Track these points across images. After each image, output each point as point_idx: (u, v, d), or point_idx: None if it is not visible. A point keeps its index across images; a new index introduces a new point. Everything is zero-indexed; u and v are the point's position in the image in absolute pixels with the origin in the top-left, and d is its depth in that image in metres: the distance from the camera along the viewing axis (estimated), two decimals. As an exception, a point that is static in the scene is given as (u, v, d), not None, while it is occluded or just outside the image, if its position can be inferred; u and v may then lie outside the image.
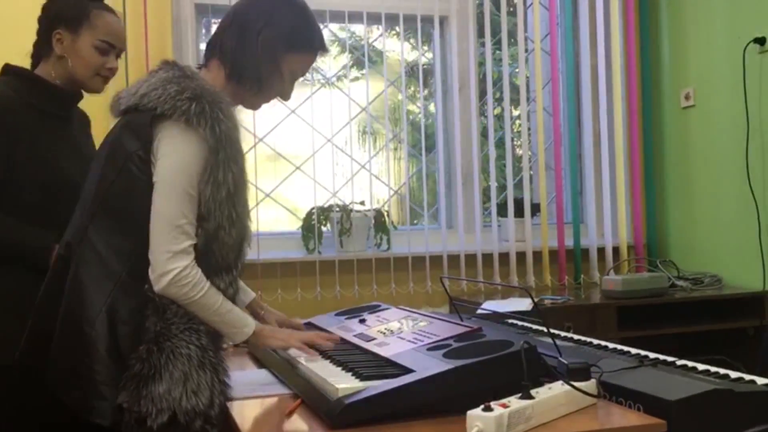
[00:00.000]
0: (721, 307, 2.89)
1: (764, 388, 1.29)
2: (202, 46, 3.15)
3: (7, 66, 1.85)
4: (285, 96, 1.64)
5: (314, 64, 1.71)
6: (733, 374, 1.40)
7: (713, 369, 1.45)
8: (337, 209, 3.11)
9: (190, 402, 1.33)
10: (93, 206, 1.46)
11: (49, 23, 1.84)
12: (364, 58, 3.23)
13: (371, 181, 3.21)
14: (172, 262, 1.37)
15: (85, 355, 1.36)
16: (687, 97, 3.30)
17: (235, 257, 1.47)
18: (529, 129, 3.50)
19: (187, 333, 1.39)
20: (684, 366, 1.48)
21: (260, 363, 1.76)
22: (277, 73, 1.57)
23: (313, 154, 3.15)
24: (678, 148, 3.39)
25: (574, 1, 3.49)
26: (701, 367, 1.47)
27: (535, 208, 3.38)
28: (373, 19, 3.26)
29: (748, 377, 1.37)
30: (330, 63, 3.31)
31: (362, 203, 3.17)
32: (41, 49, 1.87)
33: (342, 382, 1.26)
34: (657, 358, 1.56)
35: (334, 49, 3.40)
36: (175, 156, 1.40)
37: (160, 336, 1.37)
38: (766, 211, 2.89)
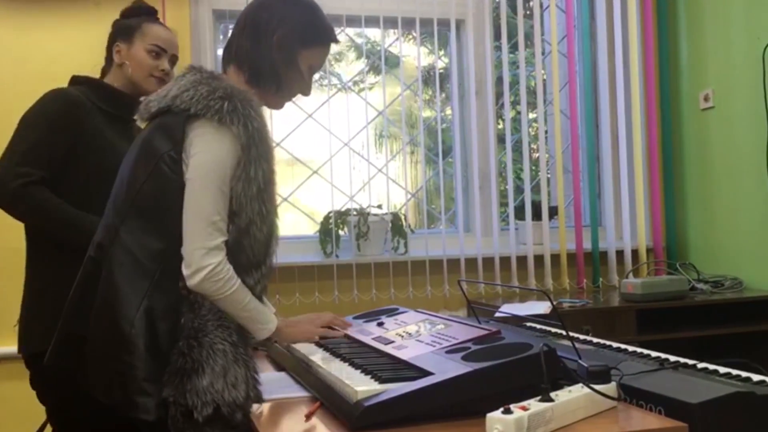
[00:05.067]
0: (742, 309, 2.86)
1: (787, 391, 1.27)
2: (220, 51, 3.19)
3: (75, 77, 2.09)
4: (305, 91, 1.68)
5: (331, 69, 1.74)
6: (755, 377, 1.38)
7: (734, 372, 1.43)
8: (355, 213, 3.11)
9: (231, 394, 1.36)
10: (124, 207, 1.48)
11: (110, 40, 2.12)
12: (381, 62, 3.24)
13: (388, 185, 3.21)
14: (207, 258, 1.40)
15: (126, 353, 1.38)
16: (706, 99, 3.28)
17: (264, 254, 1.50)
18: (546, 132, 3.49)
19: (221, 329, 1.42)
20: (705, 369, 1.47)
21: (279, 365, 1.77)
22: (295, 70, 1.61)
23: (330, 158, 3.16)
24: (697, 150, 3.36)
25: (591, 3, 3.48)
26: (722, 370, 1.45)
27: (553, 211, 3.37)
28: (390, 23, 3.27)
29: (770, 380, 1.36)
30: (346, 67, 3.32)
31: (379, 207, 3.18)
32: (106, 63, 2.14)
33: (361, 385, 1.26)
34: (677, 361, 1.54)
35: (350, 54, 3.41)
36: (208, 154, 1.43)
37: (198, 332, 1.40)
38: (787, 213, 2.86)
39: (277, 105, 1.67)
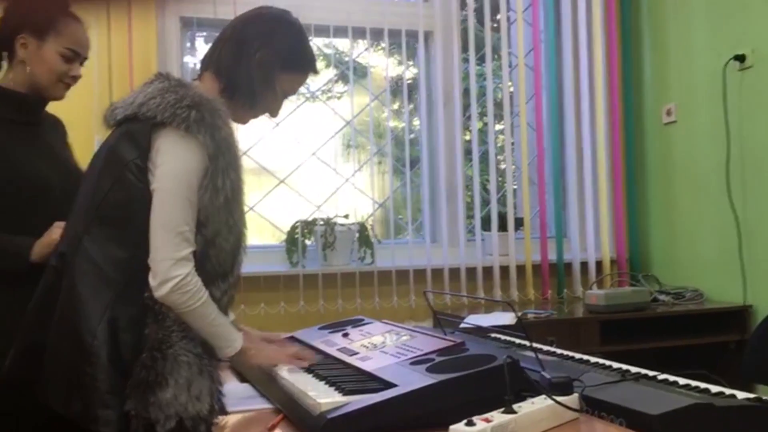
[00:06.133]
0: (702, 321, 2.91)
1: (744, 402, 1.29)
2: (187, 59, 3.17)
3: None
4: (274, 113, 1.67)
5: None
6: (714, 388, 1.40)
7: (694, 383, 1.45)
8: (321, 223, 3.10)
9: (195, 407, 1.34)
10: (88, 216, 1.46)
11: (12, 27, 1.81)
12: (349, 72, 3.24)
13: (355, 195, 3.21)
14: (175, 269, 1.38)
15: (87, 365, 1.36)
16: (669, 113, 3.34)
17: (231, 264, 1.48)
18: (512, 143, 3.52)
19: (186, 341, 1.40)
20: (666, 380, 1.49)
21: (242, 377, 1.75)
22: (271, 91, 1.61)
23: (297, 167, 3.15)
24: (660, 164, 3.42)
25: (557, 18, 3.52)
26: (683, 381, 1.47)
27: (519, 222, 3.39)
28: (358, 33, 3.28)
29: (728, 391, 1.38)
30: (315, 77, 3.31)
31: (346, 217, 3.17)
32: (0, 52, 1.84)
33: (324, 397, 1.25)
34: (639, 373, 1.56)
35: (319, 64, 3.41)
36: (175, 163, 1.41)
37: (162, 343, 1.38)
38: (746, 226, 2.92)
39: (244, 120, 1.66)
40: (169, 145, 1.42)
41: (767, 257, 2.84)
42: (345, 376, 1.40)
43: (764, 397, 1.31)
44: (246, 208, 3.05)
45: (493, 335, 2.11)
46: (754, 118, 2.89)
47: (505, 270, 3.31)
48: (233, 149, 1.48)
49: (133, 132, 1.46)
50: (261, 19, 1.62)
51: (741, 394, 1.35)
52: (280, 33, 1.60)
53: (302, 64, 1.64)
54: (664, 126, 3.37)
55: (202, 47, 3.19)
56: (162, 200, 1.41)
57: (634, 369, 1.61)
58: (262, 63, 1.57)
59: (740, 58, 2.92)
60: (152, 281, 1.39)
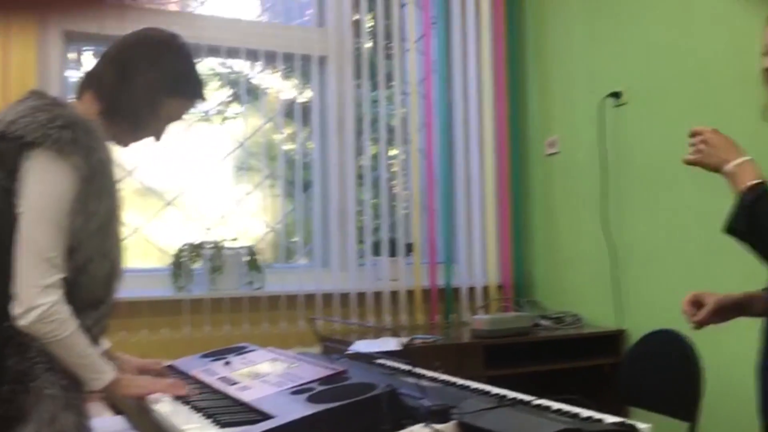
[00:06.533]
0: (580, 345, 3.03)
1: (611, 427, 1.35)
2: (72, 73, 3.04)
3: None
4: (158, 137, 1.63)
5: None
6: (585, 413, 1.46)
7: (566, 408, 1.50)
8: (210, 246, 3.04)
9: None
10: None
11: None
12: (242, 94, 3.21)
13: (246, 218, 3.16)
14: (40, 297, 1.30)
15: None
16: (551, 145, 3.49)
17: (105, 292, 1.42)
18: (404, 170, 3.57)
19: (51, 373, 1.33)
20: (539, 405, 1.53)
21: (116, 409, 1.68)
22: (155, 116, 1.57)
23: (185, 189, 3.07)
24: (543, 193, 3.57)
25: (448, 49, 3.62)
26: (555, 406, 1.52)
27: (409, 248, 3.44)
28: (252, 56, 3.25)
29: (597, 416, 1.44)
30: (207, 97, 3.26)
31: (235, 240, 3.12)
32: None
33: (198, 430, 1.21)
34: (515, 398, 1.60)
35: (213, 84, 3.36)
36: (45, 185, 1.35)
37: (24, 376, 1.30)
38: (620, 254, 3.08)
39: (125, 143, 1.61)
40: (39, 166, 1.35)
41: (638, 284, 3.01)
42: (222, 408, 1.37)
43: (628, 421, 1.37)
44: (130, 230, 2.95)
45: (379, 361, 2.12)
46: (628, 152, 3.07)
47: (394, 295, 3.34)
48: (109, 172, 1.42)
49: (0, 152, 1.38)
50: (148, 41, 1.57)
51: (609, 418, 1.41)
52: (168, 57, 1.56)
53: (189, 89, 1.60)
54: (547, 157, 3.52)
55: (90, 62, 3.07)
56: (29, 224, 1.34)
57: (512, 394, 1.65)
58: (147, 86, 1.52)
59: (616, 95, 3.10)
60: (16, 309, 1.31)
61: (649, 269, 2.96)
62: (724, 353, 2.36)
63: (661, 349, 2.57)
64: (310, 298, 3.17)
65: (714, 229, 2.66)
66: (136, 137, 1.60)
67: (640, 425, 1.36)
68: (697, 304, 1.68)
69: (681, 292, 2.80)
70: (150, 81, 1.53)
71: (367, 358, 2.18)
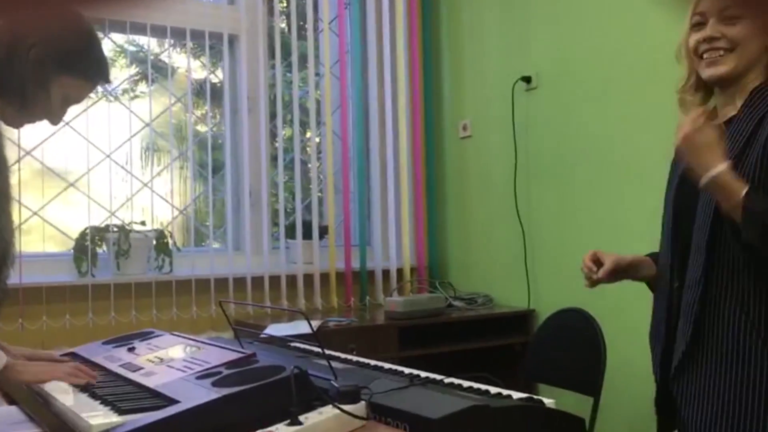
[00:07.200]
0: (491, 325, 3.09)
1: (518, 403, 1.38)
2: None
3: None
4: (53, 120, 1.51)
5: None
6: (494, 390, 1.48)
7: (476, 386, 1.52)
8: (115, 229, 2.92)
9: None
10: None
11: None
12: (149, 71, 3.09)
13: (153, 201, 3.05)
14: None
15: None
16: (464, 128, 3.53)
17: None
18: (319, 152, 3.53)
19: None
20: (451, 384, 1.55)
21: (10, 398, 1.59)
22: (45, 94, 1.45)
23: (88, 171, 2.94)
24: (457, 176, 3.60)
25: (362, 31, 3.60)
26: (466, 384, 1.54)
27: (324, 231, 3.41)
28: (158, 32, 3.13)
29: (505, 392, 1.46)
30: (112, 74, 3.12)
31: (143, 223, 3.01)
32: None
33: (97, 418, 1.16)
34: (427, 377, 1.61)
35: (120, 62, 3.22)
36: None
37: None
38: (530, 235, 3.15)
39: (15, 124, 1.50)
40: None
41: (547, 264, 3.08)
42: (123, 394, 1.31)
43: (535, 397, 1.40)
44: (27, 213, 2.80)
45: (292, 345, 2.09)
46: (538, 135, 3.13)
47: (309, 278, 3.31)
48: None
49: None
50: (43, 16, 1.48)
51: (516, 395, 1.44)
52: (62, 31, 1.45)
53: (85, 67, 1.49)
54: (461, 140, 3.56)
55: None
56: None
57: (423, 374, 1.66)
58: (37, 60, 1.42)
59: (527, 80, 3.16)
60: None
61: (558, 250, 3.03)
62: (626, 330, 2.45)
63: (567, 327, 2.65)
64: (222, 282, 3.10)
65: (620, 210, 2.77)
66: (27, 118, 1.50)
67: (546, 400, 1.39)
68: (596, 262, 1.72)
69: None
70: (40, 54, 1.42)
71: (281, 342, 2.15)
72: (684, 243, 1.57)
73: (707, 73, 1.53)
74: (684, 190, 1.58)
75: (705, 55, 1.53)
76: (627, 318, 2.57)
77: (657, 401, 1.66)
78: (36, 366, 1.46)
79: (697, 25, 1.54)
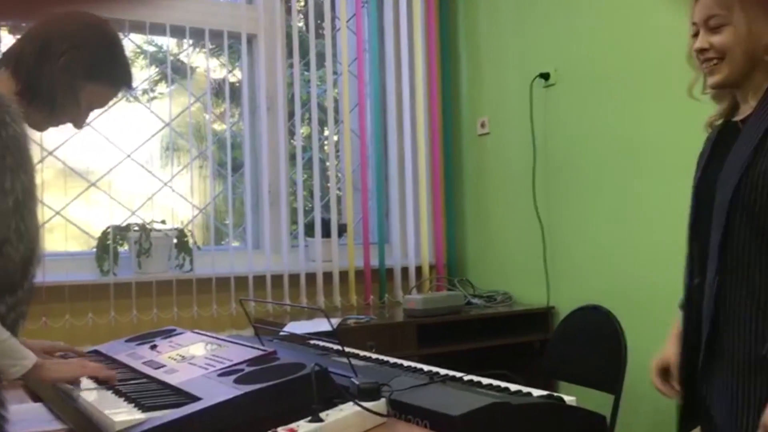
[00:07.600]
0: (511, 322, 3.08)
1: (538, 400, 1.37)
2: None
3: None
4: (77, 124, 1.54)
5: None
6: (514, 387, 1.48)
7: (496, 383, 1.52)
8: (136, 228, 2.95)
9: None
10: None
11: None
12: (168, 71, 3.11)
13: (174, 200, 3.08)
14: None
15: None
16: (483, 125, 3.52)
17: (21, 277, 1.34)
18: (337, 150, 3.54)
19: None
20: (470, 381, 1.55)
21: (36, 396, 1.61)
22: (73, 101, 1.48)
23: (109, 170, 2.97)
24: (475, 173, 3.60)
25: (380, 29, 3.60)
26: (485, 381, 1.54)
27: (342, 229, 3.42)
28: (177, 32, 3.15)
29: (525, 390, 1.46)
30: (134, 85, 3.15)
31: (163, 222, 3.03)
32: None
33: (120, 415, 1.17)
34: (447, 375, 1.61)
35: (139, 62, 3.24)
36: None
37: None
38: (549, 233, 3.13)
39: (41, 127, 1.52)
40: None
41: (566, 261, 3.07)
42: (147, 392, 1.33)
43: (555, 394, 1.40)
44: (50, 213, 2.84)
45: (312, 342, 2.11)
46: (556, 132, 3.12)
47: (328, 276, 3.32)
48: (24, 149, 1.35)
49: None
50: (73, 22, 1.50)
51: (536, 392, 1.44)
52: (90, 40, 1.48)
53: (112, 76, 1.52)
54: (479, 137, 3.55)
55: (5, 38, 2.92)
56: None
57: (443, 371, 1.67)
58: (67, 68, 1.44)
59: (545, 76, 3.14)
60: None
61: (577, 247, 3.02)
62: (647, 326, 2.43)
63: (587, 325, 2.64)
64: (242, 280, 3.11)
65: (639, 207, 2.75)
66: (53, 122, 1.52)
67: (567, 398, 1.39)
68: (665, 371, 1.70)
69: (608, 269, 2.88)
70: (69, 63, 1.45)
71: (300, 340, 2.17)
72: (704, 240, 1.56)
73: (708, 82, 1.57)
74: (704, 187, 1.58)
75: (702, 65, 1.55)
76: (647, 314, 2.56)
77: (681, 399, 1.66)
78: (65, 364, 1.48)
79: (695, 35, 1.56)
